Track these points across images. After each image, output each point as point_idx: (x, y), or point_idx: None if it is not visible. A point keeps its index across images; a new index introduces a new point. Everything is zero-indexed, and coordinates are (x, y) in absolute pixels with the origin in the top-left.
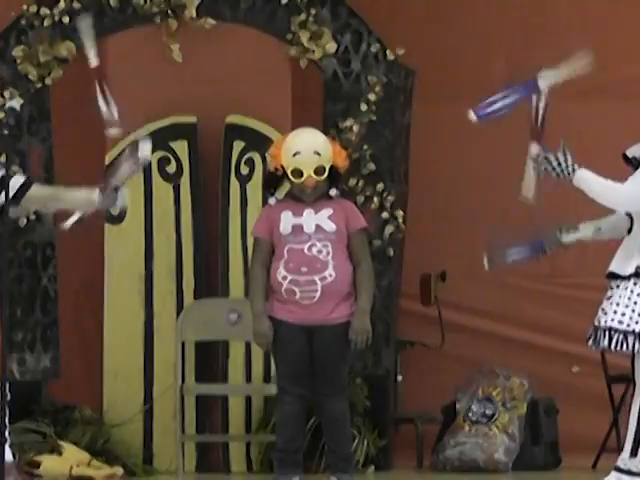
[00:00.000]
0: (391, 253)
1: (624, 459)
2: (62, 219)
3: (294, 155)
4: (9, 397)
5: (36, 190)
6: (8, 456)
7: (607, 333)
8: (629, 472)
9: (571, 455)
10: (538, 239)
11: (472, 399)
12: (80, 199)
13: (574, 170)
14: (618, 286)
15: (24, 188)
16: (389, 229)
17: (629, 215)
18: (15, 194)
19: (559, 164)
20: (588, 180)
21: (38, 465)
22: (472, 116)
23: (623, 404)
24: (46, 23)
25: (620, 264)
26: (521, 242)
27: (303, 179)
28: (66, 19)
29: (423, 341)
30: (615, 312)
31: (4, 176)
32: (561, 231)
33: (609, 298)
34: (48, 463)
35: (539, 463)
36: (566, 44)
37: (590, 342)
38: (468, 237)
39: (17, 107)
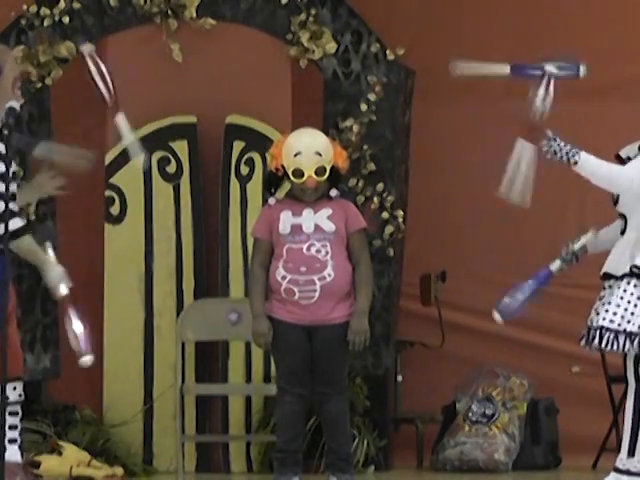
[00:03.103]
0: (391, 253)
1: (622, 459)
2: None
3: (295, 155)
4: (23, 397)
5: (26, 243)
6: (16, 456)
7: (598, 332)
8: (628, 472)
9: (571, 455)
10: (541, 270)
11: (472, 399)
12: (50, 279)
13: (578, 153)
14: (611, 286)
15: (19, 232)
16: (389, 229)
17: (622, 216)
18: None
19: (564, 146)
20: (594, 164)
21: (38, 465)
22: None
23: (623, 404)
24: (46, 23)
25: (613, 264)
26: (522, 282)
27: (304, 179)
28: (66, 19)
29: (423, 341)
30: (607, 311)
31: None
32: (571, 242)
33: (601, 298)
34: (48, 463)
35: (539, 463)
36: (566, 45)
37: (582, 342)
38: (468, 237)
39: (17, 107)
